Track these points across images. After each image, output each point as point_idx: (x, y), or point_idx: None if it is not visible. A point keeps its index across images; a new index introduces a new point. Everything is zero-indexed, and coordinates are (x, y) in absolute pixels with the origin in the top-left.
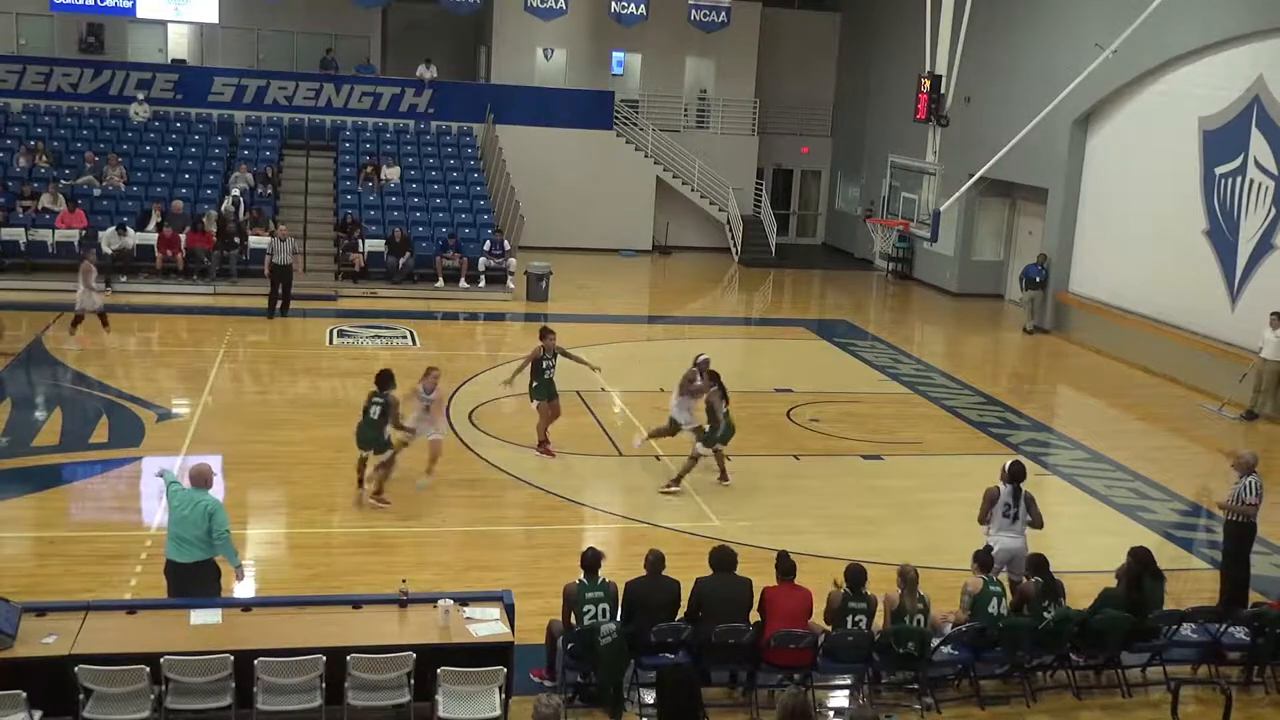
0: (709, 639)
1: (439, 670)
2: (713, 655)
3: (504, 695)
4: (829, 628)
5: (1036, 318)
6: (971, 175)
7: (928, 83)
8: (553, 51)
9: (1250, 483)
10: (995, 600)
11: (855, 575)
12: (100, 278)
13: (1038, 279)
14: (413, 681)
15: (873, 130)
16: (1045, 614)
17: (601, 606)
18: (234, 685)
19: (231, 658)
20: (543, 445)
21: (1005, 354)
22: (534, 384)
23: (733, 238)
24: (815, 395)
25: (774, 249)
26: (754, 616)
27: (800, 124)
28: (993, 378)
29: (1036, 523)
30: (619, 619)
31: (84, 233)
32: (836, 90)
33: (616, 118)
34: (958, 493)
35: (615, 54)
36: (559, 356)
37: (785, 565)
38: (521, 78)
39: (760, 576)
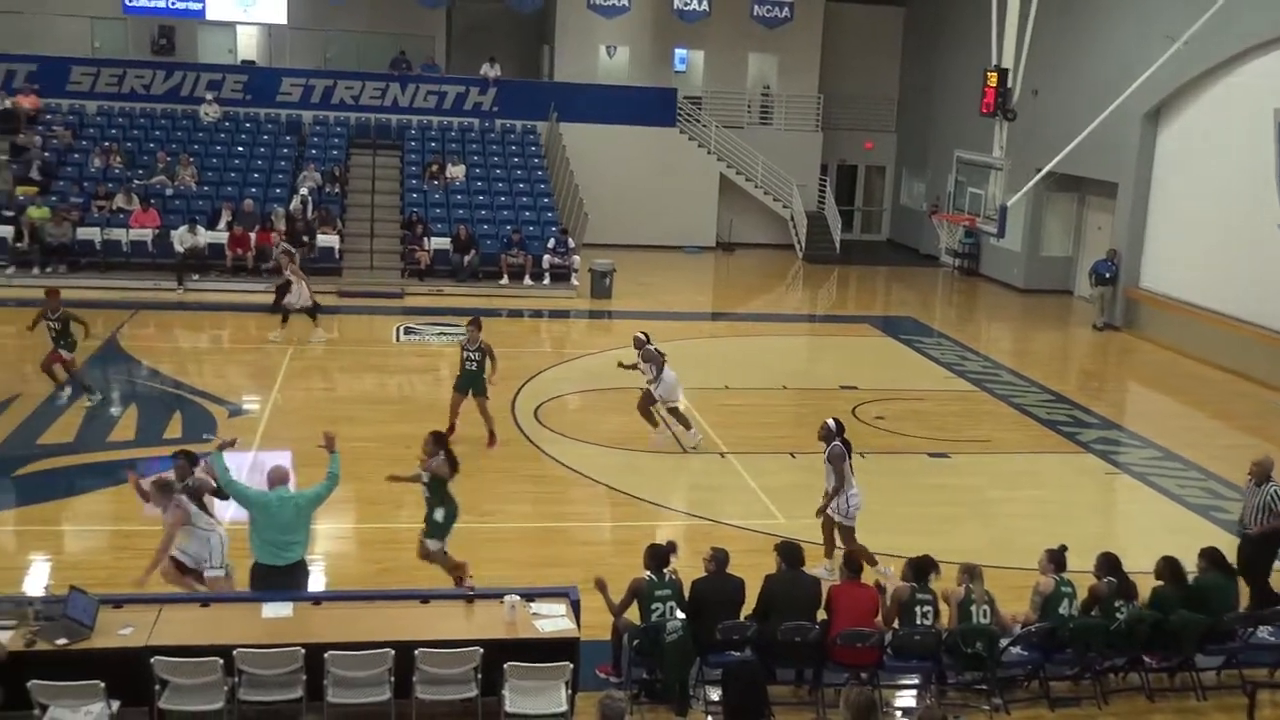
0: (775, 637)
1: (506, 665)
2: (778, 653)
3: (570, 691)
4: (892, 627)
5: (1106, 314)
6: (1039, 170)
7: (994, 76)
8: (615, 49)
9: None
10: (1066, 600)
11: (922, 566)
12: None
13: (1107, 275)
14: (480, 676)
15: (938, 125)
16: (1117, 615)
17: (669, 604)
18: (305, 678)
19: (302, 651)
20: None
21: (1074, 351)
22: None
23: (797, 234)
24: (880, 393)
25: (838, 245)
26: (821, 615)
27: (864, 119)
28: (1061, 375)
29: None
30: (684, 616)
31: (157, 232)
32: (901, 84)
33: (679, 114)
34: (1026, 491)
35: (678, 51)
36: (479, 351)
37: (854, 564)
38: (584, 75)
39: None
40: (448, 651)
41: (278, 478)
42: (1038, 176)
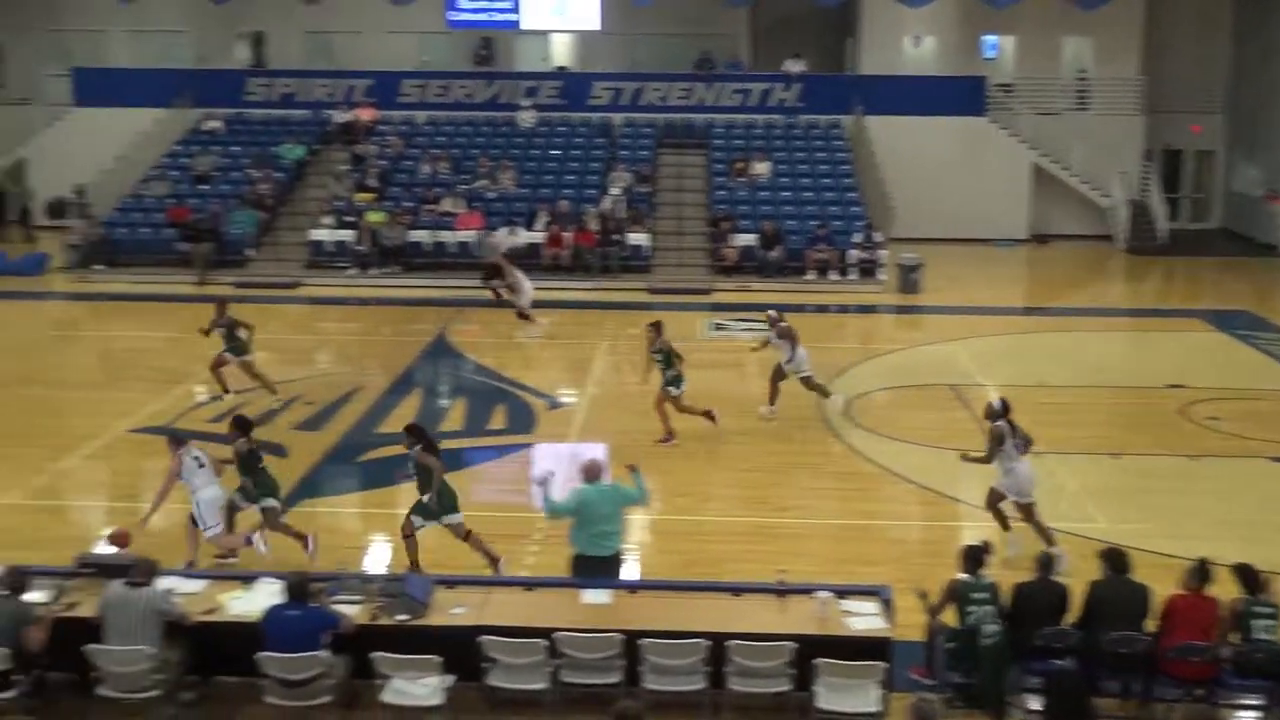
0: (1100, 646)
1: (817, 661)
2: (1104, 663)
3: (883, 691)
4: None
5: None
6: None
7: None
8: (921, 38)
9: None
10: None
11: (1253, 578)
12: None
13: None
14: (793, 671)
15: (1274, 104)
16: None
17: (986, 607)
18: (623, 663)
19: (621, 637)
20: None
21: None
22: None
23: (1117, 224)
24: (1213, 392)
25: (1164, 235)
26: (1150, 625)
27: (1189, 101)
28: None
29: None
30: (1002, 620)
31: (480, 233)
32: (1232, 62)
33: (989, 103)
34: None
35: (987, 37)
36: (660, 353)
37: (1203, 574)
38: (890, 67)
39: (1154, 585)
40: (760, 645)
41: (593, 471)
42: None
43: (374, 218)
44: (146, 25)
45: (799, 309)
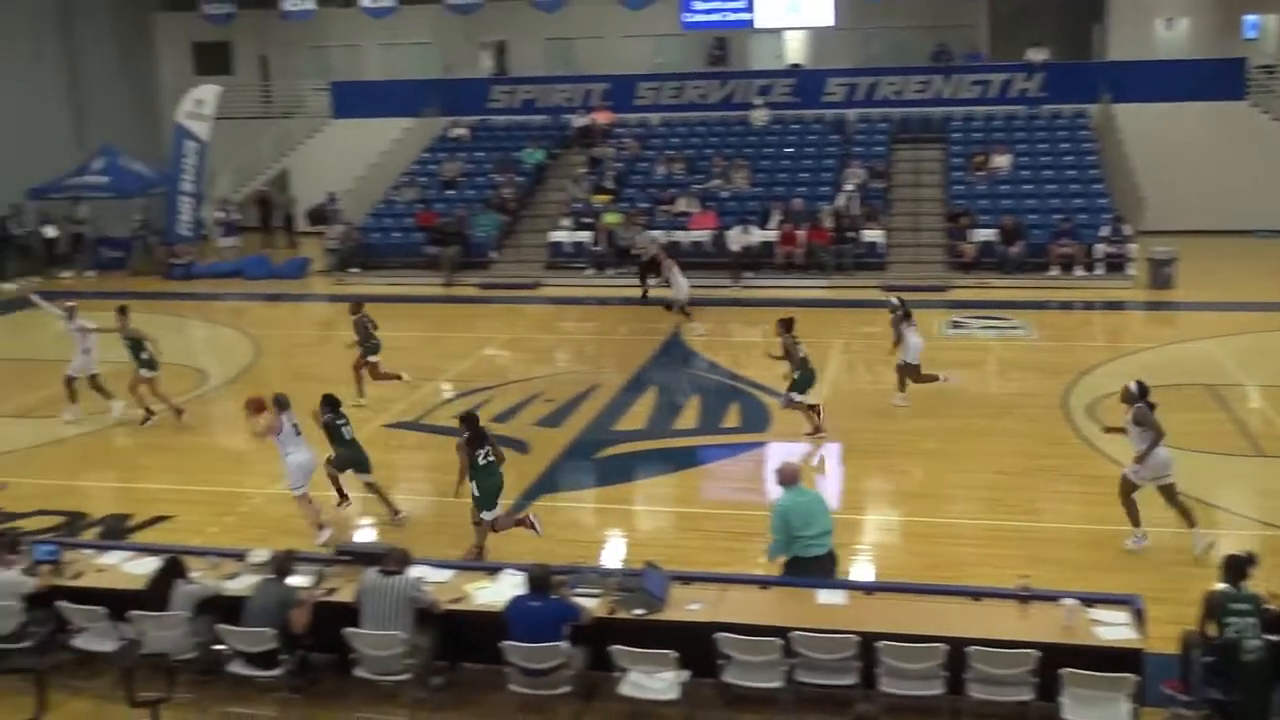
0: None
1: (1062, 671)
2: None
3: (1134, 705)
4: None
5: None
6: None
7: None
8: (1175, 21)
9: None
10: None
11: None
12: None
13: None
14: (1036, 680)
15: None
16: None
17: (1248, 620)
18: (859, 665)
19: (856, 638)
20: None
21: None
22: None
23: None
24: None
25: None
26: None
27: None
28: None
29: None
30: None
31: (714, 232)
32: None
33: (1249, 86)
34: None
35: (1248, 17)
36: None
37: None
38: (1140, 52)
39: None
40: (1003, 651)
41: (790, 475)
42: None
43: (610, 219)
44: (397, 38)
45: (1041, 306)
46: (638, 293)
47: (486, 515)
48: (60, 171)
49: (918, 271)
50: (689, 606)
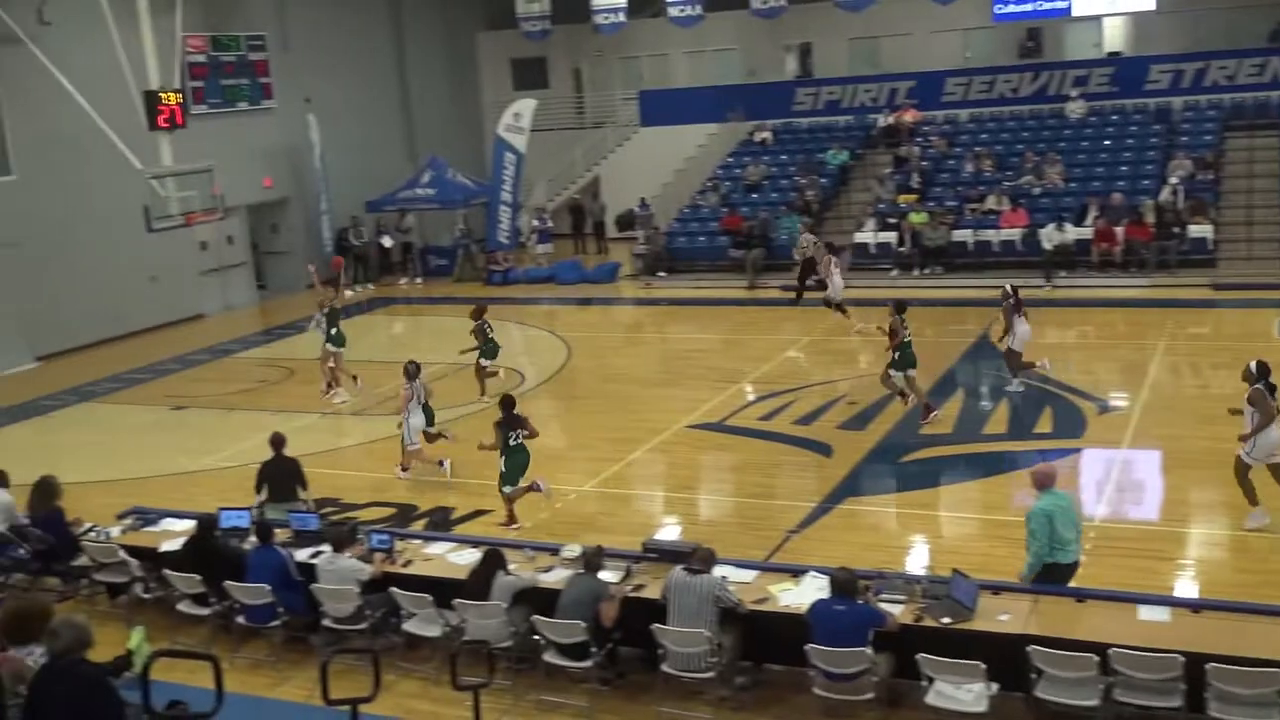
0: None
1: None
2: None
3: None
4: None
5: None
6: None
7: None
8: None
9: None
10: None
11: None
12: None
13: None
14: None
15: None
16: None
17: None
18: (1184, 687)
19: (1181, 658)
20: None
21: None
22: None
23: None
24: None
25: None
26: None
27: None
28: None
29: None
30: None
31: (1025, 231)
32: None
33: None
34: None
35: None
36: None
37: None
38: None
39: None
40: None
41: (1047, 477)
42: None
43: (916, 219)
44: (703, 46)
45: None
46: (931, 294)
47: (507, 489)
48: (393, 185)
49: (1251, 269)
50: (999, 617)
